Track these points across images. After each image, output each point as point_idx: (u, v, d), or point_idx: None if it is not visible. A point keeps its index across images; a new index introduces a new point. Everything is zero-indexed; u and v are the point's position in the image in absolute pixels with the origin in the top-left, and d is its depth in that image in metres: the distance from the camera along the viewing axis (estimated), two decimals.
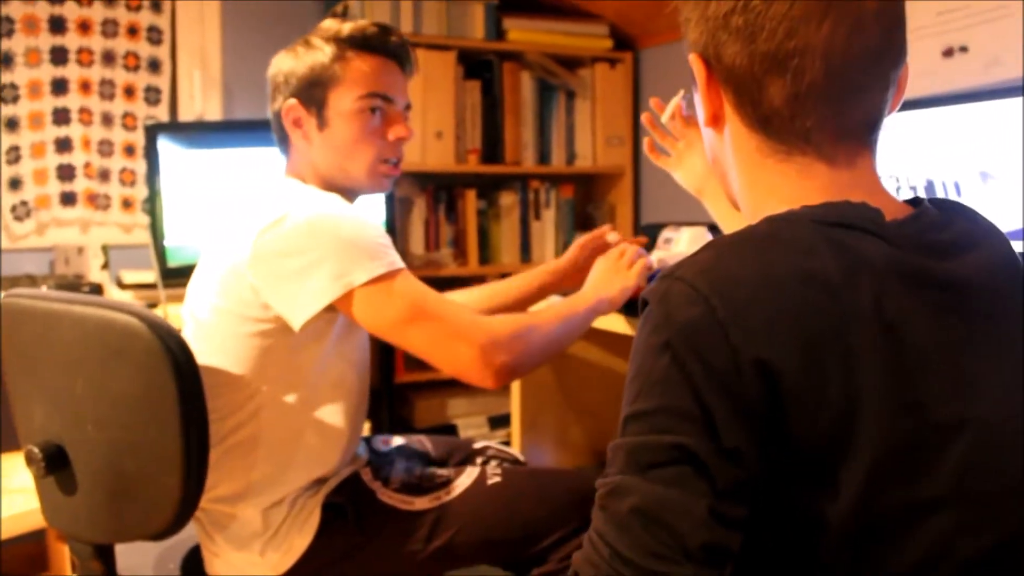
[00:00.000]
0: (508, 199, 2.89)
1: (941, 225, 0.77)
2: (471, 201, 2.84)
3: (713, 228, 1.66)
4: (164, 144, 2.10)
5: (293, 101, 1.31)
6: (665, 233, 1.70)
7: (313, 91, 1.31)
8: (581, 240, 1.63)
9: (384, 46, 1.33)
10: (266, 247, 1.19)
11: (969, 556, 0.68)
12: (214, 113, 2.69)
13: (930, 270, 0.72)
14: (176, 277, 2.09)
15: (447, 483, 1.32)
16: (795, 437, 0.65)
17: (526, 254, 2.91)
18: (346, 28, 1.33)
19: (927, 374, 0.68)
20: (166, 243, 2.11)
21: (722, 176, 0.87)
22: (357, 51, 1.31)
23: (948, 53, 1.88)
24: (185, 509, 1.14)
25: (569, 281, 1.60)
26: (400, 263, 1.23)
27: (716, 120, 0.81)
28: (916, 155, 1.65)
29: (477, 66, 2.77)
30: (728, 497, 0.64)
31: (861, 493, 0.65)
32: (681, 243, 1.58)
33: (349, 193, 1.35)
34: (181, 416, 1.10)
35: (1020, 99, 1.51)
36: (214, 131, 2.25)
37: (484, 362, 1.18)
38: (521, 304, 1.60)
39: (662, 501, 0.64)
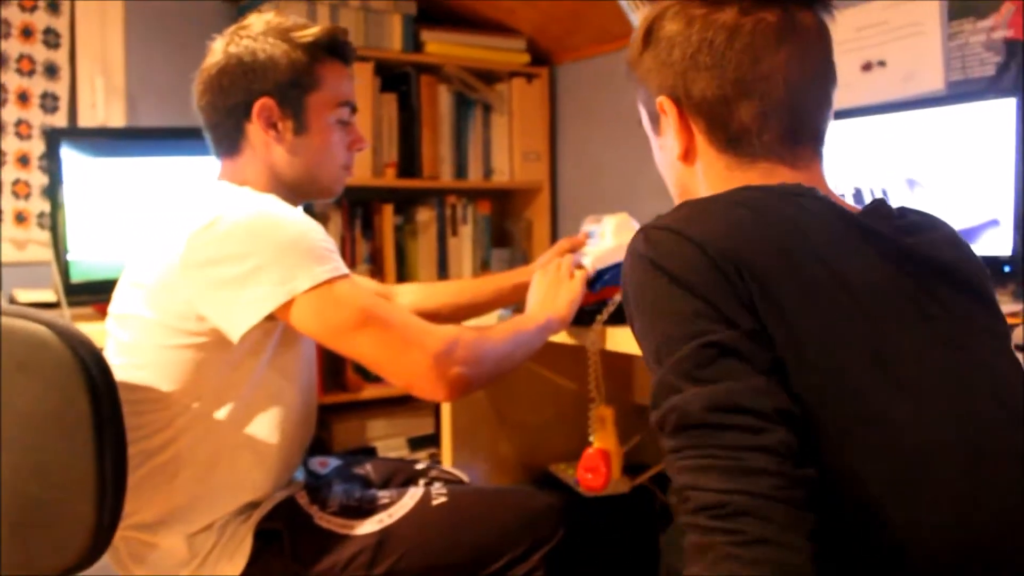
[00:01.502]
0: (425, 215, 2.83)
1: (897, 214, 0.87)
2: (388, 217, 2.76)
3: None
4: (67, 152, 1.97)
5: (269, 100, 1.23)
6: (585, 227, 1.63)
7: (291, 93, 1.24)
8: (562, 245, 1.58)
9: (347, 53, 1.30)
10: (199, 253, 1.10)
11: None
12: (117, 122, 2.54)
13: (888, 235, 0.82)
14: (81, 294, 1.95)
15: (389, 505, 1.25)
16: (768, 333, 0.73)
17: (443, 271, 2.85)
18: (314, 31, 1.26)
19: (873, 306, 0.77)
20: (69, 258, 1.97)
21: None
22: (330, 57, 1.26)
23: (867, 67, 1.92)
24: (100, 539, 1.04)
25: None
26: (345, 268, 1.16)
27: (688, 154, 0.91)
28: (842, 164, 1.68)
29: (394, 79, 2.71)
30: (770, 374, 0.71)
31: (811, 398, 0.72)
32: (607, 235, 1.52)
33: (302, 198, 1.28)
34: (95, 436, 1.01)
35: (938, 110, 1.55)
36: (122, 138, 2.13)
37: (438, 372, 1.12)
38: (493, 303, 1.55)
39: (725, 391, 0.69)
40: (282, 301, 1.10)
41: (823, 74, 0.89)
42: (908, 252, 0.82)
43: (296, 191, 1.28)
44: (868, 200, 0.89)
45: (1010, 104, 1.44)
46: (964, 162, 1.50)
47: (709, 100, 0.87)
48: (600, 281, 1.44)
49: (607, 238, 1.49)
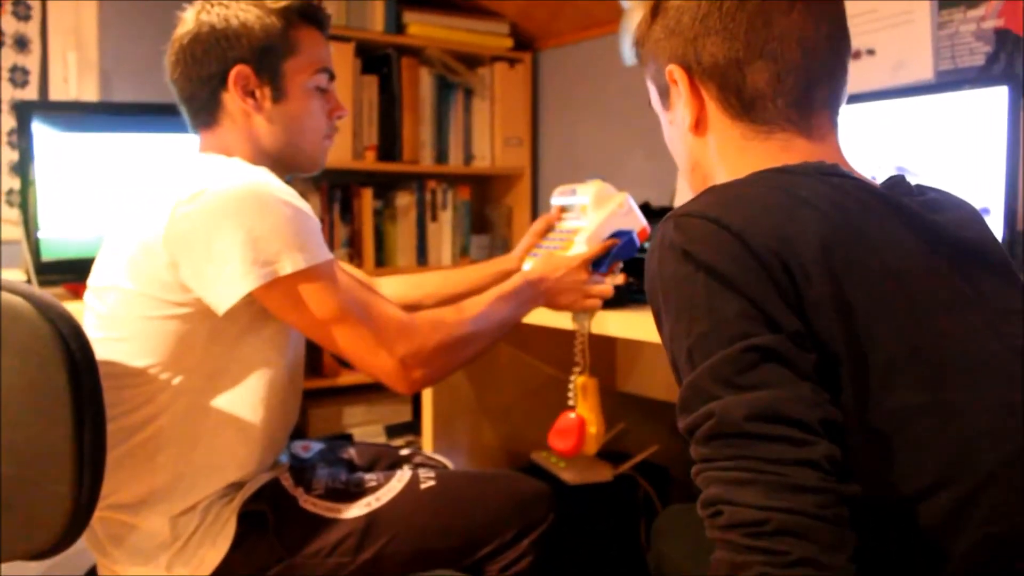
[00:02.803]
0: (404, 199, 2.79)
1: (917, 191, 0.85)
2: (367, 200, 2.72)
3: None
4: (38, 127, 1.91)
5: (244, 67, 1.19)
6: (556, 200, 1.56)
7: (267, 59, 1.20)
8: (538, 227, 1.55)
9: (322, 19, 1.27)
10: (184, 222, 1.06)
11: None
12: (90, 97, 2.47)
13: (918, 213, 0.79)
14: (52, 273, 1.89)
15: (376, 488, 1.22)
16: (814, 332, 0.69)
17: (422, 257, 2.82)
18: None
19: (919, 292, 0.74)
20: (40, 235, 1.91)
21: (703, 179, 0.92)
22: (304, 23, 1.22)
23: (856, 56, 1.90)
24: (76, 521, 1.00)
25: None
26: (329, 254, 1.13)
27: (699, 124, 0.88)
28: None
29: (375, 61, 2.67)
30: (813, 379, 0.67)
31: (857, 395, 0.69)
32: (589, 209, 1.43)
33: (286, 171, 1.25)
34: (74, 413, 0.96)
35: (928, 98, 1.54)
36: (95, 113, 2.06)
37: (402, 374, 1.15)
38: (478, 292, 1.52)
39: (768, 399, 0.65)
40: (262, 282, 1.07)
41: (838, 37, 0.86)
42: (938, 231, 0.79)
43: (279, 163, 1.24)
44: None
45: (1001, 92, 1.43)
46: (954, 150, 1.49)
47: (721, 64, 0.84)
48: (607, 260, 1.40)
49: (589, 213, 1.44)
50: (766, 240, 0.70)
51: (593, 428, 1.46)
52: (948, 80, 1.71)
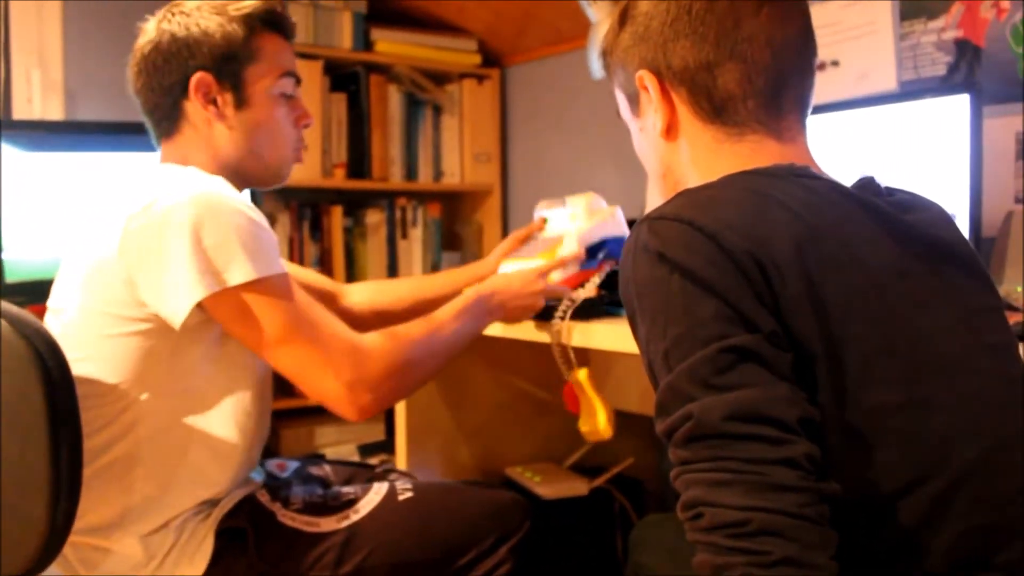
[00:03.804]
0: (375, 217, 2.78)
1: (886, 192, 0.86)
2: (337, 218, 2.71)
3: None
4: (2, 146, 1.88)
5: (205, 75, 1.18)
6: (540, 212, 1.56)
7: (229, 65, 1.18)
8: (517, 235, 1.55)
9: (285, 26, 1.25)
10: (136, 236, 1.05)
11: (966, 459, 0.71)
12: (55, 117, 2.44)
13: (890, 212, 0.79)
14: (17, 295, 1.86)
15: (355, 501, 1.21)
16: (789, 330, 0.69)
17: (393, 274, 2.80)
18: (249, 3, 1.21)
19: (893, 291, 0.74)
20: (4, 256, 1.88)
21: (675, 185, 0.92)
22: (268, 29, 1.21)
23: (821, 67, 1.94)
24: (51, 543, 0.98)
25: None
26: (282, 267, 1.11)
27: (670, 129, 0.88)
28: None
29: (343, 78, 2.67)
30: (791, 379, 0.67)
31: (834, 394, 0.69)
32: (580, 216, 1.45)
33: (246, 183, 1.22)
34: (50, 433, 0.95)
35: (892, 107, 1.57)
36: (60, 132, 2.04)
37: (349, 400, 1.11)
38: (449, 300, 1.51)
39: (747, 399, 0.65)
40: (210, 292, 1.05)
41: (804, 39, 0.86)
42: (910, 231, 0.79)
43: (238, 173, 1.22)
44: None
45: (963, 100, 1.46)
46: (919, 158, 1.52)
47: (691, 67, 0.84)
48: (601, 252, 1.40)
49: (581, 220, 1.45)
50: (740, 241, 0.69)
51: (603, 414, 1.45)
52: (911, 89, 1.74)
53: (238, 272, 1.05)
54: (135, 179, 1.14)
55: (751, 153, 0.85)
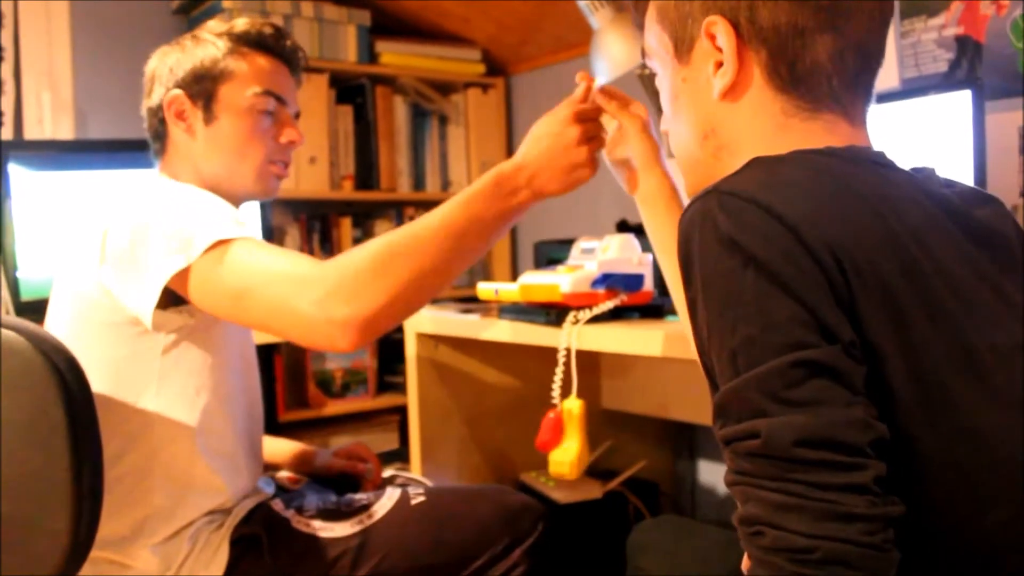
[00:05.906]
0: (383, 227, 2.80)
1: (948, 183, 0.81)
2: (346, 229, 2.73)
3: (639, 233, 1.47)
4: (14, 167, 1.90)
5: (177, 92, 1.21)
6: (580, 244, 1.54)
7: (202, 84, 1.22)
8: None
9: (278, 48, 1.27)
10: (111, 244, 1.08)
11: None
12: (65, 137, 2.46)
13: (962, 209, 0.75)
14: (32, 312, 1.87)
15: (368, 506, 1.22)
16: (866, 339, 0.64)
17: None
18: (240, 24, 1.24)
19: (966, 299, 0.69)
20: (19, 275, 1.91)
21: (717, 149, 0.83)
22: (252, 49, 1.24)
23: None
24: (74, 558, 0.99)
25: None
26: (244, 232, 1.05)
27: (734, 88, 0.79)
28: None
29: (349, 91, 2.69)
30: (864, 394, 0.63)
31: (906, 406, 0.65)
32: (612, 248, 1.41)
33: (234, 198, 1.24)
34: (71, 447, 0.96)
35: (895, 104, 1.58)
36: (71, 151, 2.06)
37: (324, 319, 0.97)
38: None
39: (822, 426, 0.61)
40: (178, 268, 1.03)
41: (886, 28, 0.80)
42: (982, 229, 0.75)
43: (225, 188, 1.24)
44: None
45: (964, 96, 1.47)
46: (921, 154, 1.53)
47: (781, 29, 0.76)
48: (608, 281, 1.39)
49: (611, 251, 1.44)
50: (823, 236, 0.64)
51: (582, 453, 1.33)
52: (913, 87, 1.75)
53: (200, 243, 1.04)
54: (118, 194, 1.18)
55: (824, 132, 0.78)
